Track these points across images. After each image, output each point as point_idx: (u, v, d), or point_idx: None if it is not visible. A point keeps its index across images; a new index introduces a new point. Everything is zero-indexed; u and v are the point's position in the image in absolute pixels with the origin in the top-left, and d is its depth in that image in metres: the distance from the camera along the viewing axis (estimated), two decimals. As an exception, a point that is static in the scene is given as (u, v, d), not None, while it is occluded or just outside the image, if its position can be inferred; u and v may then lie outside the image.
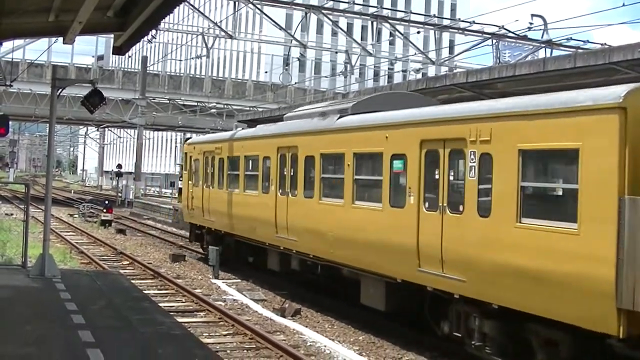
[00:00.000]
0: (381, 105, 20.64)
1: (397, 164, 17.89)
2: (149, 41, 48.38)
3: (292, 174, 23.28)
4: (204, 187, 32.00)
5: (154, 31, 46.43)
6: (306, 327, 20.18)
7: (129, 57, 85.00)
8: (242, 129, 35.64)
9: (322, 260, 21.40)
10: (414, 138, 17.02)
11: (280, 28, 50.36)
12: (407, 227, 16.86)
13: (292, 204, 23.11)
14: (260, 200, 25.52)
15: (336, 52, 77.86)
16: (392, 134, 18.07)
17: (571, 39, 46.81)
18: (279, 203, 23.91)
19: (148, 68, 75.96)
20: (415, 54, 53.68)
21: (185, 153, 36.27)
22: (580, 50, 35.81)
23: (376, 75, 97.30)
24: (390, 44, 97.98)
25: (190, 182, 34.34)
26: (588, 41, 48.75)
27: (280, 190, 23.96)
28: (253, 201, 26.27)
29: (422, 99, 22.20)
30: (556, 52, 46.02)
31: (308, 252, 22.21)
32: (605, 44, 41.81)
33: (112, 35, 21.56)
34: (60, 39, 20.00)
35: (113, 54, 20.97)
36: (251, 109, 69.59)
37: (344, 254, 20.07)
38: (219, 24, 50.24)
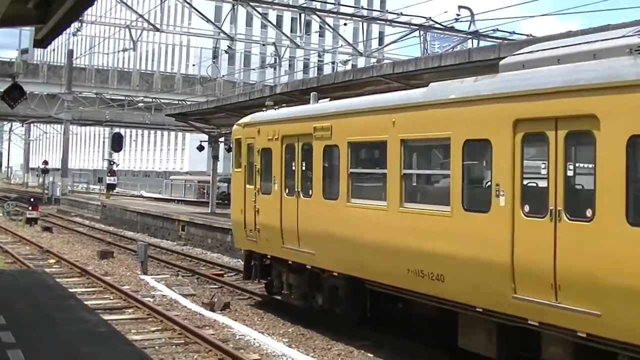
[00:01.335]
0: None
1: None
2: (74, 34, 47.64)
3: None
4: (286, 194, 19.51)
5: (77, 23, 45.70)
6: (235, 320, 20.04)
7: (53, 50, 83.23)
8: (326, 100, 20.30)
9: None
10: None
11: (208, 21, 49.93)
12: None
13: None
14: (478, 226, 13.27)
15: (263, 45, 77.62)
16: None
17: (498, 30, 47.27)
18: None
19: (74, 62, 74.78)
20: (342, 45, 53.74)
21: (238, 140, 22.51)
22: (505, 42, 36.13)
23: (306, 67, 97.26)
24: (320, 35, 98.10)
25: (249, 186, 21.40)
26: (514, 32, 49.29)
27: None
28: (442, 227, 13.97)
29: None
30: (483, 43, 46.50)
31: None
32: (531, 35, 42.31)
33: (33, 28, 21.08)
34: (-23, 31, 19.44)
35: (34, 46, 20.37)
36: (180, 102, 68.94)
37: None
38: (145, 17, 49.60)
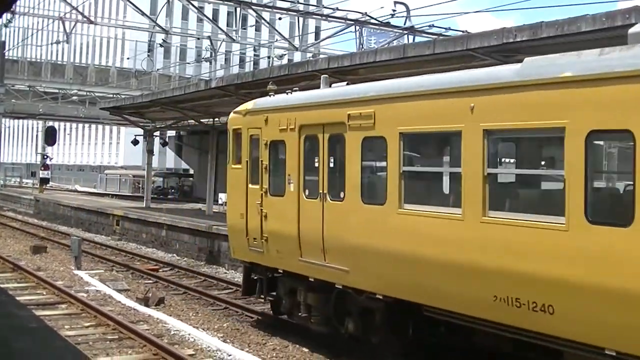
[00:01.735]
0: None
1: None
2: (6, 25, 46.77)
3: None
4: (305, 196, 16.12)
5: (9, 15, 44.94)
6: (170, 315, 20.00)
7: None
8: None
9: None
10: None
11: (143, 14, 49.47)
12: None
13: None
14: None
15: (199, 39, 77.12)
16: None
17: (433, 26, 47.64)
18: None
19: (6, 54, 73.38)
20: (277, 40, 53.70)
21: (236, 130, 18.97)
22: (440, 37, 36.47)
23: (242, 61, 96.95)
24: (256, 30, 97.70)
25: (253, 185, 18.00)
26: (450, 28, 49.75)
27: None
28: (553, 244, 10.89)
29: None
30: (419, 39, 46.83)
31: None
32: (466, 31, 42.77)
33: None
34: None
35: (-37, 38, 20.06)
36: (114, 96, 68.19)
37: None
38: (79, 9, 48.96)
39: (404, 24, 48.81)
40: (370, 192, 14.31)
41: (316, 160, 15.62)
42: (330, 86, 16.79)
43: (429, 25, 47.33)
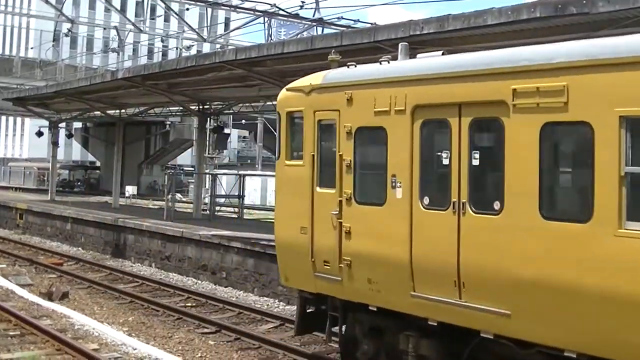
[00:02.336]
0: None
1: None
2: None
3: None
4: (424, 207, 11.58)
5: None
6: (74, 310, 19.63)
7: None
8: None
9: None
10: None
11: (48, 2, 48.42)
12: None
13: None
14: None
15: (105, 29, 75.93)
16: None
17: (342, 18, 47.77)
18: None
19: None
20: (186, 31, 53.20)
21: (291, 114, 14.23)
22: (349, 29, 36.63)
23: (150, 52, 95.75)
24: (165, 20, 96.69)
25: (323, 189, 13.36)
26: (359, 20, 49.90)
27: None
28: None
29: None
30: (329, 31, 46.91)
31: None
32: (375, 23, 43.02)
33: None
34: None
35: None
36: (18, 86, 66.63)
37: None
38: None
39: (313, 16, 48.82)
40: (556, 203, 10.26)
41: (444, 155, 11.20)
42: (408, 57, 12.96)
43: (338, 18, 47.46)
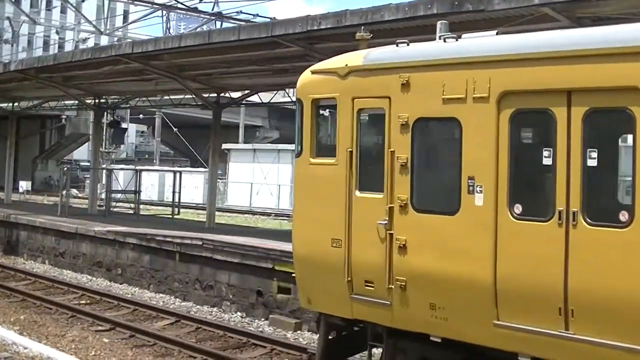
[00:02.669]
0: None
1: None
2: None
3: None
4: (514, 216, 9.38)
5: None
6: (-38, 309, 19.05)
7: None
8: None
9: None
10: None
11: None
12: None
13: None
14: None
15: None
16: None
17: (242, 12, 47.54)
18: None
19: None
20: (81, 22, 52.20)
21: (319, 101, 11.91)
22: (247, 24, 36.48)
23: (46, 44, 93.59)
24: (61, 12, 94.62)
25: (366, 194, 11.05)
26: (258, 15, 49.68)
27: None
28: None
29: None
30: (228, 25, 46.61)
31: None
32: (274, 17, 42.96)
33: None
34: None
35: None
36: None
37: None
38: None
39: (212, 10, 48.50)
40: None
41: (545, 153, 9.22)
42: (446, 40, 10.66)
43: (238, 12, 47.23)
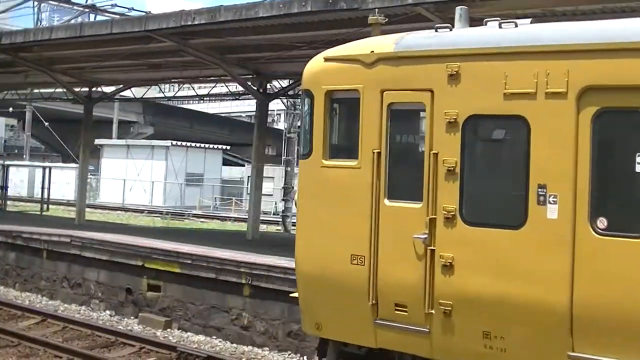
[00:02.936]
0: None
1: None
2: None
3: None
4: (595, 231, 8.08)
5: None
6: None
7: None
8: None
9: None
10: None
11: None
12: None
13: None
14: None
15: None
16: None
17: (116, 5, 46.77)
18: None
19: None
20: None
21: (335, 94, 10.03)
22: (121, 17, 35.89)
23: None
24: None
25: (398, 203, 9.40)
26: (133, 8, 48.92)
27: None
28: None
29: None
30: (102, 18, 45.79)
31: None
32: (150, 12, 42.39)
33: None
34: None
35: None
36: None
37: None
38: None
39: (86, 2, 47.55)
40: None
41: (637, 158, 7.94)
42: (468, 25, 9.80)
43: (112, 5, 46.43)
